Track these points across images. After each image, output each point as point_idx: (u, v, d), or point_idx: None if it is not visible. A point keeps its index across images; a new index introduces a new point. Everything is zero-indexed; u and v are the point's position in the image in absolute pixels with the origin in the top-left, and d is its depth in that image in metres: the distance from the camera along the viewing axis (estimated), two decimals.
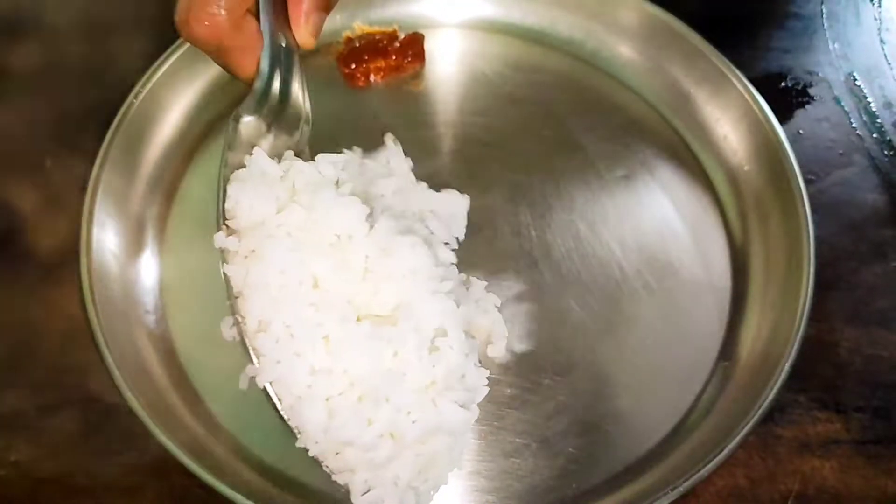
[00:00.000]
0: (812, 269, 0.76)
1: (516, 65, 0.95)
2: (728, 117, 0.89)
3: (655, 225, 0.85)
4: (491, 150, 0.87)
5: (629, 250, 0.83)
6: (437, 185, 0.82)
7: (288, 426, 0.66)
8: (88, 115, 0.84)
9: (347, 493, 0.65)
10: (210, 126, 0.88)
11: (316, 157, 0.73)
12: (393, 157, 0.83)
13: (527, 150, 0.88)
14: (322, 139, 0.86)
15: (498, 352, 0.76)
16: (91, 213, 0.76)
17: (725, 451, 0.68)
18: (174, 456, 0.66)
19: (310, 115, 0.76)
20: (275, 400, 0.66)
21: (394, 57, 0.92)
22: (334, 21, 0.94)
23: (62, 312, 0.77)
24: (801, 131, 0.95)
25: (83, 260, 0.74)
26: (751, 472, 0.75)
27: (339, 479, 0.65)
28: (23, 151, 0.87)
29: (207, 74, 0.89)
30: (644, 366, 0.77)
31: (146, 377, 0.72)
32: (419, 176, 0.82)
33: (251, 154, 0.71)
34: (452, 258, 0.75)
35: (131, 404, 0.68)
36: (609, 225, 0.85)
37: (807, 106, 0.97)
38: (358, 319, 0.67)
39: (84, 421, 0.73)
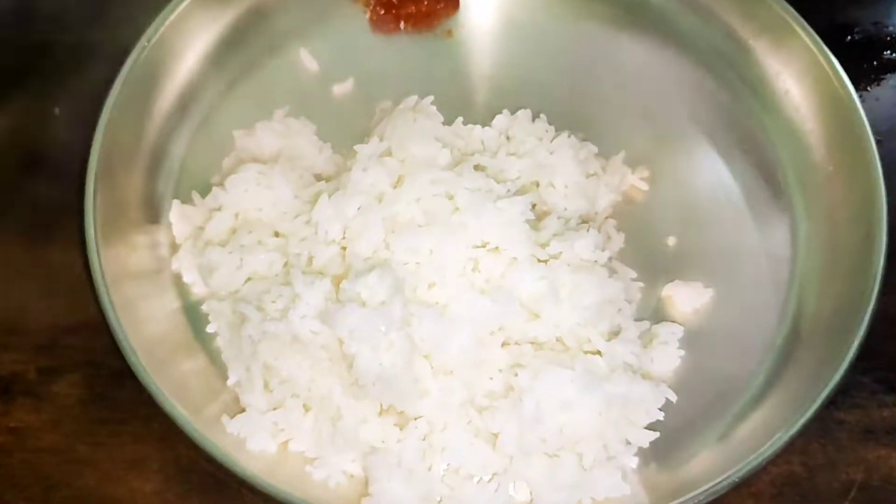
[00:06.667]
0: (885, 238, 0.73)
1: (557, 12, 0.90)
2: (790, 71, 0.84)
3: (709, 187, 0.82)
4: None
5: (680, 214, 0.80)
6: None
7: None
8: (98, 60, 0.82)
9: None
10: (227, 77, 0.85)
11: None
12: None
13: (566, 105, 0.84)
14: (349, 89, 0.85)
15: None
16: (97, 167, 0.74)
17: (785, 439, 0.65)
18: (181, 426, 0.65)
19: None
20: None
21: (426, 2, 0.89)
22: None
23: (64, 271, 0.76)
24: (868, 88, 0.91)
25: (88, 217, 0.73)
26: (809, 460, 0.72)
27: None
28: (31, 101, 0.86)
29: (224, 20, 0.85)
30: (695, 341, 0.74)
31: (153, 340, 0.71)
32: None
33: None
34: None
35: (136, 369, 0.67)
36: (658, 186, 0.82)
37: (874, 60, 0.93)
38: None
39: (87, 386, 0.73)
